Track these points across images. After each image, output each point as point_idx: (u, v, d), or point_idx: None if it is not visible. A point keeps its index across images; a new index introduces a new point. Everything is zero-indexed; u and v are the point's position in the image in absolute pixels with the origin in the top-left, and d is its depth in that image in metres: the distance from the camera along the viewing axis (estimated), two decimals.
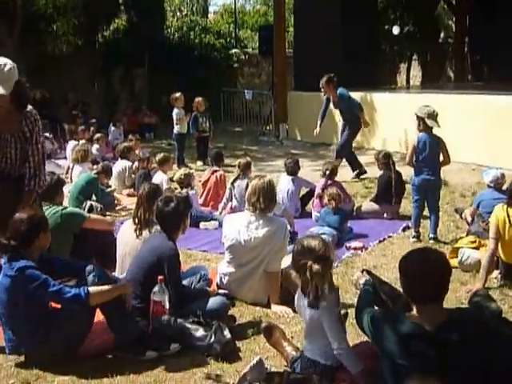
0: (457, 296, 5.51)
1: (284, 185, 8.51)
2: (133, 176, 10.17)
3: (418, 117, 7.03)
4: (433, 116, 6.94)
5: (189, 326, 4.56)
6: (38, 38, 18.45)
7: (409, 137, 12.86)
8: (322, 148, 15.08)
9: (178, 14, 24.87)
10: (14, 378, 4.20)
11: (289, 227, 7.37)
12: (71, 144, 12.25)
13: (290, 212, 7.79)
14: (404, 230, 7.71)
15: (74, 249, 5.95)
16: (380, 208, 8.32)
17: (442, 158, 7.11)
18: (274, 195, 5.51)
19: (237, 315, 5.19)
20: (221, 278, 5.56)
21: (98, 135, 12.94)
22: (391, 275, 6.06)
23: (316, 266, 3.68)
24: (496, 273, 5.79)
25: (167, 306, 4.69)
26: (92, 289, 4.30)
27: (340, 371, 3.71)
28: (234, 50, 22.09)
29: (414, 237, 7.27)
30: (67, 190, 9.18)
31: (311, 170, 12.33)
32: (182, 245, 7.28)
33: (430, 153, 7.02)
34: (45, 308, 4.33)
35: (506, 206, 5.57)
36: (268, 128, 17.09)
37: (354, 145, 14.76)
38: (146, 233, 5.38)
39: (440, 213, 8.25)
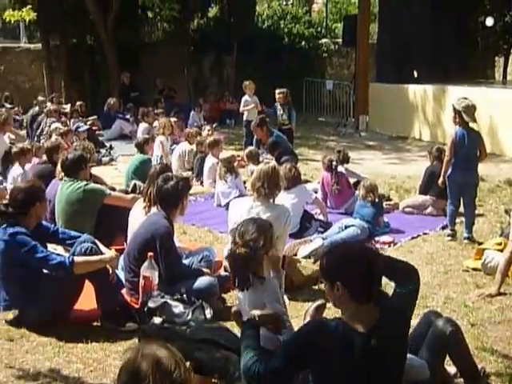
0: (465, 298, 5.31)
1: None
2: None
3: (454, 109, 6.80)
4: (469, 110, 6.68)
5: (170, 302, 4.67)
6: (132, 24, 19.13)
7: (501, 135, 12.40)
8: (399, 141, 14.82)
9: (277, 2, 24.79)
10: (1, 334, 4.54)
11: (321, 217, 7.49)
12: (141, 126, 12.81)
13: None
14: (443, 227, 7.43)
15: (99, 224, 6.23)
16: (424, 200, 8.14)
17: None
18: (279, 181, 5.50)
19: (234, 298, 5.26)
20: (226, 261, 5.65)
21: (172, 119, 13.27)
22: None
23: (241, 250, 3.71)
24: None
25: (156, 282, 4.85)
26: (77, 258, 4.54)
27: None
28: (323, 40, 21.91)
29: (449, 235, 7.04)
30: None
31: (383, 163, 12.20)
32: (217, 227, 7.52)
33: (468, 148, 6.77)
34: (35, 273, 4.58)
35: None
36: (348, 119, 16.91)
37: (428, 139, 14.46)
38: (153, 210, 5.53)
39: (491, 213, 8.06)
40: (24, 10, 16.14)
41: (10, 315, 4.75)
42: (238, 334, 4.19)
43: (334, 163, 8.08)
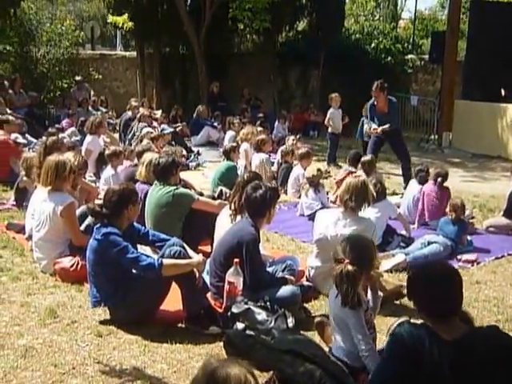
0: None
1: (411, 192, 8.48)
2: (273, 168, 10.59)
3: None
4: None
5: (253, 308, 4.74)
6: (223, 35, 19.65)
7: None
8: (483, 160, 14.46)
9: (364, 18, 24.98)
10: (91, 329, 4.71)
11: (404, 232, 7.43)
12: (228, 134, 13.18)
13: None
14: None
15: (186, 228, 6.40)
16: (509, 222, 7.92)
17: None
18: (367, 195, 5.49)
19: (315, 308, 5.30)
20: (308, 271, 5.70)
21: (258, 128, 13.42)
22: (491, 293, 5.85)
23: (349, 267, 3.69)
24: None
25: (240, 288, 4.94)
26: (166, 261, 4.68)
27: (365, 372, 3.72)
28: (409, 56, 21.78)
29: None
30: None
31: (463, 181, 11.93)
32: (300, 236, 7.56)
33: None
34: (125, 272, 4.75)
35: None
36: (432, 135, 16.70)
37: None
38: (239, 218, 5.63)
39: None
40: (122, 17, 17.02)
41: (100, 311, 4.93)
42: (321, 345, 4.24)
43: (440, 179, 8.00)
